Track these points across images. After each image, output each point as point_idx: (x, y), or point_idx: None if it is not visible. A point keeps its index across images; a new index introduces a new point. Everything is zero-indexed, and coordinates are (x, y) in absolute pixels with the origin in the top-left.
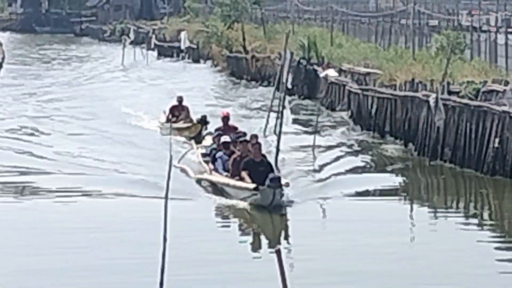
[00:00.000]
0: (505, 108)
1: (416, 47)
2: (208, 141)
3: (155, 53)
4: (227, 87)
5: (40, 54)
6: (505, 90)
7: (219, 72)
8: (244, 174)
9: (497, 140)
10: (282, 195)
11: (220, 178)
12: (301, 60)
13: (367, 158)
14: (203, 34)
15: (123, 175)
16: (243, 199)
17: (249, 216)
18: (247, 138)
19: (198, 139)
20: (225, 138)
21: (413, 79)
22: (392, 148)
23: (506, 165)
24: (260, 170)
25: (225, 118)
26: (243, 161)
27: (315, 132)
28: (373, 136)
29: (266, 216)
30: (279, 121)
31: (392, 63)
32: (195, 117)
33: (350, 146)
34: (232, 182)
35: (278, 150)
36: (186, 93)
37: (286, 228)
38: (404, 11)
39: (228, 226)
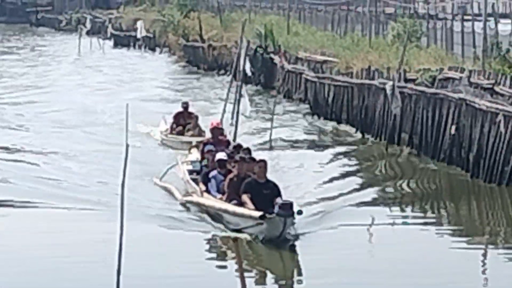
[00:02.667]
0: (462, 95)
1: (373, 35)
2: (194, 155)
3: (111, 43)
4: (184, 76)
5: None
6: (461, 77)
7: (176, 61)
8: (245, 198)
9: (453, 127)
10: (293, 224)
11: (215, 202)
12: (258, 49)
13: (325, 146)
14: (159, 23)
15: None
16: (245, 228)
17: (251, 251)
18: (242, 154)
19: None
20: (221, 155)
21: (369, 67)
22: (349, 136)
23: (462, 153)
24: (265, 193)
25: (216, 130)
26: (245, 182)
27: (271, 127)
28: (331, 124)
29: (273, 251)
30: (236, 109)
31: (349, 51)
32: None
33: (307, 134)
34: (231, 208)
35: (235, 138)
36: (144, 83)
37: (298, 266)
38: None
39: (225, 265)
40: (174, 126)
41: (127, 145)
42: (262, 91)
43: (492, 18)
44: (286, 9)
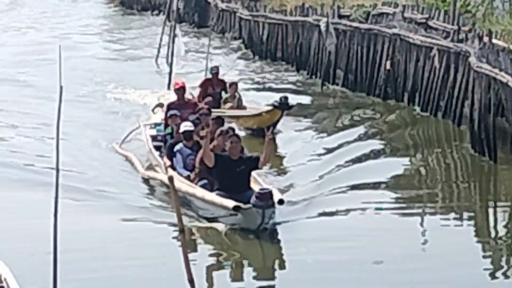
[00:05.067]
0: (396, 31)
1: None
2: (158, 115)
3: None
4: (118, 19)
5: None
6: (395, 13)
7: (109, 3)
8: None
9: (388, 62)
10: (273, 214)
11: (182, 183)
12: None
13: (260, 84)
14: None
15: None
16: (218, 217)
17: (227, 239)
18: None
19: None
20: (187, 126)
21: (303, 4)
22: (285, 73)
23: (397, 88)
24: (238, 171)
25: (181, 90)
26: (216, 154)
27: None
28: (266, 63)
29: (252, 240)
30: (170, 50)
31: None
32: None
33: (242, 73)
34: (200, 193)
35: (170, 79)
36: (82, 29)
37: (280, 256)
38: None
39: (195, 258)
40: (201, 98)
41: (61, 87)
42: (196, 30)
43: None
44: None
